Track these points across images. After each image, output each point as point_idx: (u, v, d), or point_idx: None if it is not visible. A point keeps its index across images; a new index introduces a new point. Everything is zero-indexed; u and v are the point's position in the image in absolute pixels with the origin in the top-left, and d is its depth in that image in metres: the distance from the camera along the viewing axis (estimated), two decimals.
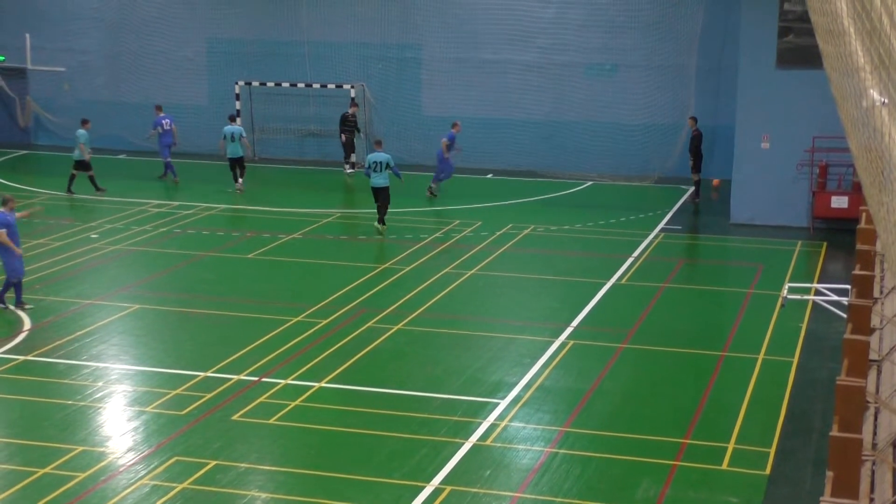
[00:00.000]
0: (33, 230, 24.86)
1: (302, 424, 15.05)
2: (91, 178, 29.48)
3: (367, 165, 25.37)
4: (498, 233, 25.61)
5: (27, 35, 35.67)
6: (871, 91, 5.43)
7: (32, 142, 36.75)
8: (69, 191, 29.25)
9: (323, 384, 16.36)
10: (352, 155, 32.79)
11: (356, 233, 26.15)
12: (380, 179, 25.05)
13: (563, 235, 25.71)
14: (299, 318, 19.33)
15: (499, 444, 14.45)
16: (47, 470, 13.51)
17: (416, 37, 33.46)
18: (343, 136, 32.59)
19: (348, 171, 32.57)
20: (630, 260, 23.47)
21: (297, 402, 15.68)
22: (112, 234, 25.08)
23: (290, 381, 16.41)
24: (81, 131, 29.56)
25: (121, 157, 34.58)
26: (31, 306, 19.70)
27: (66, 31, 35.99)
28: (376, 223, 25.27)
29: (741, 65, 26.67)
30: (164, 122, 31.60)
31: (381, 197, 25.15)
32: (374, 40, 33.69)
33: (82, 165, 29.38)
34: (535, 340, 18.50)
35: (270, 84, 34.10)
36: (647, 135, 32.14)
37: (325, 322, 19.18)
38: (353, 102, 32.81)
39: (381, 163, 24.99)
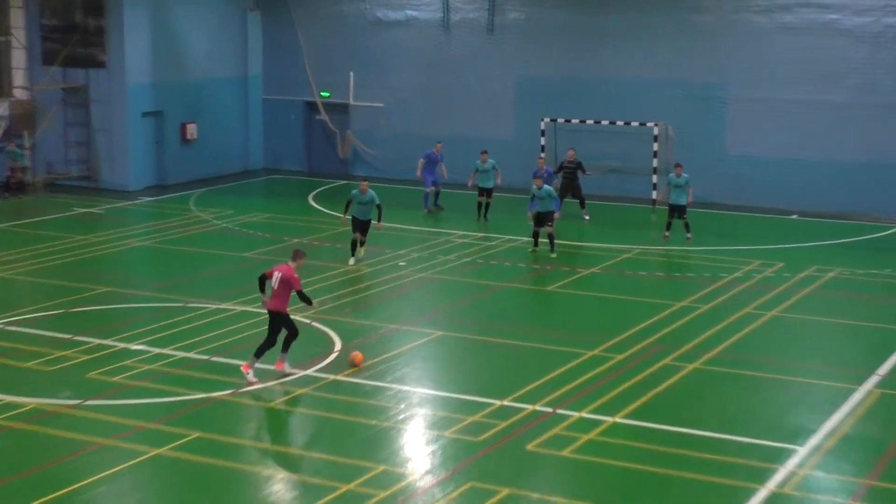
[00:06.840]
0: (348, 256, 25.70)
1: (594, 458, 14.73)
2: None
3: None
4: (800, 275, 24.48)
5: (351, 73, 37.44)
6: None
7: (350, 172, 38.16)
8: None
9: (617, 419, 15.99)
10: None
11: (654, 269, 25.65)
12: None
13: (870, 280, 24.28)
14: (595, 352, 19.04)
15: (797, 493, 13.67)
16: (350, 486, 13.78)
17: (721, 76, 32.69)
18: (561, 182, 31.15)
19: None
20: None
21: (590, 436, 15.38)
22: (418, 263, 25.61)
23: (583, 415, 16.14)
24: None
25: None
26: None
27: (386, 69, 37.38)
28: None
29: None
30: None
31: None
32: (677, 78, 33.14)
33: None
34: (836, 387, 17.47)
35: (575, 121, 34.06)
36: None
37: (620, 357, 18.81)
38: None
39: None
